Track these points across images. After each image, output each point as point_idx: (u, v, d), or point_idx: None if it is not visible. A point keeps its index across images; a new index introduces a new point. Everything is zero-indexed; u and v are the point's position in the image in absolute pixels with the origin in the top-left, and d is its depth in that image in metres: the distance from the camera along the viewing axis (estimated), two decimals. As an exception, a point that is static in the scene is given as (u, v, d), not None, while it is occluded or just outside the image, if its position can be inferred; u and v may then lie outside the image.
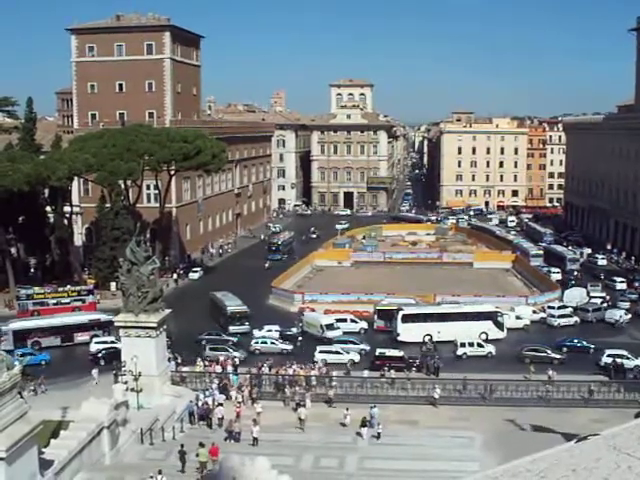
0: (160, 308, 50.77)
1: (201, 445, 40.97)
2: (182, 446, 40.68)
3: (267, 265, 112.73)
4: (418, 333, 75.71)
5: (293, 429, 49.69)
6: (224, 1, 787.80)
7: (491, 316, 78.45)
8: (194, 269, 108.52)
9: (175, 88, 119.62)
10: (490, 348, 71.47)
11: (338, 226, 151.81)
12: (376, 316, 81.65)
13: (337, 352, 69.00)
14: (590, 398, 56.67)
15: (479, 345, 71.79)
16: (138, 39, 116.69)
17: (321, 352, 68.55)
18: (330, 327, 77.01)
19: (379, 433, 44.11)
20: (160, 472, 36.96)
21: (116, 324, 51.08)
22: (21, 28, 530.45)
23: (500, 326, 77.64)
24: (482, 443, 45.06)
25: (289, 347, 72.17)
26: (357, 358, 68.31)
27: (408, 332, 75.96)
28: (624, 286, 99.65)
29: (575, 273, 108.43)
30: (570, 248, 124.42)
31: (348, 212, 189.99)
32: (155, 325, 49.20)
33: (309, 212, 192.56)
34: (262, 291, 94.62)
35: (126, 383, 46.48)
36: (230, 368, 63.60)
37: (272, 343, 73.11)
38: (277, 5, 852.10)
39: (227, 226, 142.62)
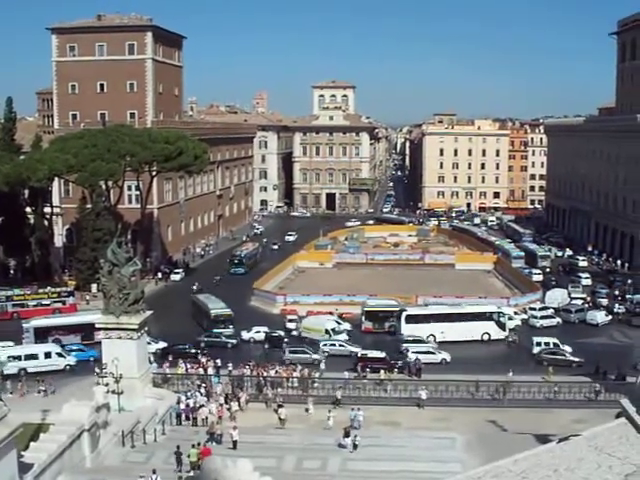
0: (141, 310, 50.52)
1: (193, 446, 41.24)
2: (178, 447, 40.86)
3: (215, 280, 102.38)
4: (421, 333, 76.24)
5: (275, 430, 49.58)
6: (206, 2, 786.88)
7: (493, 316, 79.18)
8: (176, 270, 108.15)
9: (157, 89, 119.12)
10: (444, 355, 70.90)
11: (288, 238, 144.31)
12: (364, 317, 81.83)
13: (304, 352, 69.51)
14: (569, 399, 56.99)
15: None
16: (120, 39, 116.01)
17: (290, 352, 69.35)
18: (336, 331, 77.05)
19: (356, 445, 43.45)
20: (154, 472, 37.00)
21: (97, 326, 50.74)
22: (1, 27, 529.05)
23: (502, 326, 78.41)
24: (464, 444, 45.09)
25: (357, 349, 71.02)
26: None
27: (411, 332, 76.33)
28: (589, 282, 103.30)
29: (547, 270, 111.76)
30: (541, 246, 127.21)
31: (308, 214, 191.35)
32: (136, 327, 48.95)
33: (298, 214, 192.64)
34: (244, 293, 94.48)
35: (107, 385, 46.17)
36: (211, 370, 63.40)
37: (341, 346, 72.43)
38: (259, 6, 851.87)
39: (209, 227, 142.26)
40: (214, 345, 73.58)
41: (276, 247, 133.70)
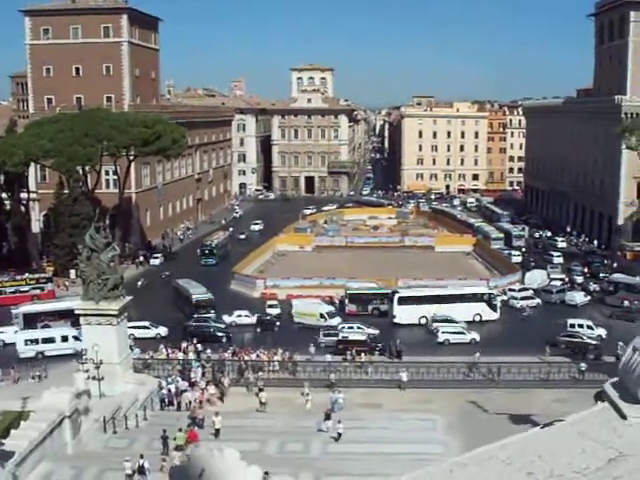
0: (121, 295, 50.15)
1: (180, 430, 41.35)
2: (164, 431, 40.78)
3: (164, 275, 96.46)
4: (413, 315, 77.13)
5: (257, 414, 49.65)
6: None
7: (485, 297, 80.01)
8: (155, 255, 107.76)
9: (133, 72, 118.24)
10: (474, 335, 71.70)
11: (254, 227, 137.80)
12: (347, 300, 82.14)
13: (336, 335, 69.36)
14: (550, 379, 57.54)
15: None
16: (95, 22, 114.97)
17: (324, 335, 69.86)
18: (330, 315, 77.31)
19: (339, 434, 43.27)
20: (142, 456, 36.98)
21: (76, 312, 50.42)
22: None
23: (493, 307, 79.28)
24: (445, 426, 45.23)
25: (375, 332, 71.61)
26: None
27: (403, 314, 77.25)
28: (561, 260, 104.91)
29: (523, 249, 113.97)
30: (516, 226, 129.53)
31: (272, 196, 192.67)
32: (116, 312, 48.61)
33: (272, 197, 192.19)
34: (223, 277, 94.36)
35: (87, 371, 45.95)
36: (192, 355, 63.38)
37: (359, 328, 72.17)
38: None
39: (188, 211, 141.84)
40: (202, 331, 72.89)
41: (243, 237, 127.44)
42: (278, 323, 76.58)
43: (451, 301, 78.82)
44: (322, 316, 76.45)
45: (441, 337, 70.73)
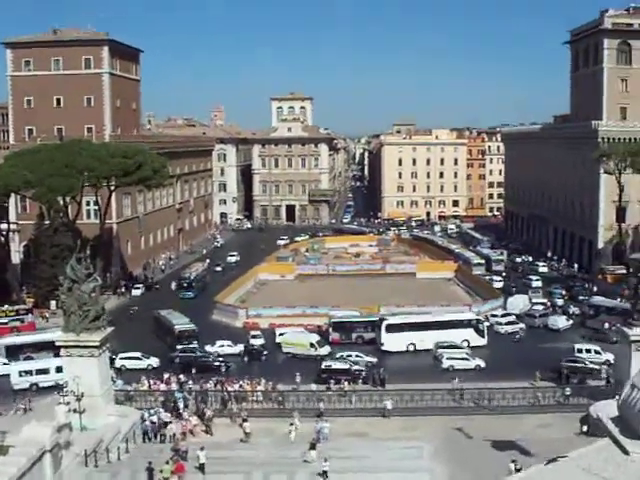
0: (102, 326, 49.72)
1: (167, 462, 41.11)
2: (150, 463, 40.55)
3: (132, 310, 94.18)
4: (402, 342, 77.24)
5: (241, 445, 49.21)
6: (163, 16, 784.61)
7: (472, 323, 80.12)
8: (136, 285, 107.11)
9: (114, 103, 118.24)
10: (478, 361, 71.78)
11: (230, 259, 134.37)
12: (331, 329, 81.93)
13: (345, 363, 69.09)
14: (535, 404, 57.57)
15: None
16: (76, 53, 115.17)
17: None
18: (321, 344, 77.05)
19: (325, 472, 42.38)
20: None
21: (57, 344, 49.88)
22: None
23: (481, 333, 79.36)
24: (431, 453, 45.01)
25: (373, 359, 72.16)
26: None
27: (392, 341, 77.29)
28: (540, 284, 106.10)
29: (503, 273, 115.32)
30: (495, 251, 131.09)
31: (248, 225, 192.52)
32: (97, 344, 48.15)
33: (249, 226, 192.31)
34: (203, 307, 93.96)
35: (68, 404, 45.39)
36: (175, 386, 62.82)
37: (357, 356, 71.90)
38: (216, 21, 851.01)
39: (169, 241, 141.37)
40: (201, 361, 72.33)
41: (219, 269, 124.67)
42: (265, 352, 76.21)
43: (439, 328, 78.71)
44: (312, 345, 76.06)
45: (445, 363, 70.72)
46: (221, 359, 72.76)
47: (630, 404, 9.79)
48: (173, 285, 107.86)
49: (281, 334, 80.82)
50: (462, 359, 71.49)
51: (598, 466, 8.76)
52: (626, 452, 9.00)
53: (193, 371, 68.12)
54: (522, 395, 58.21)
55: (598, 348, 71.34)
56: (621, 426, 9.72)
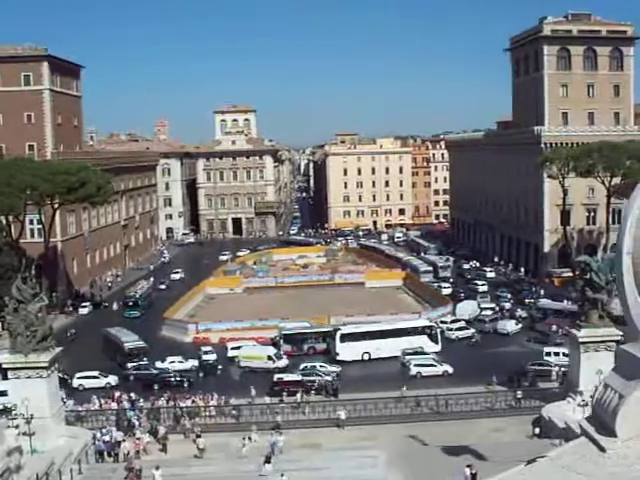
0: (50, 347, 48.98)
1: None
2: None
3: (69, 334, 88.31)
4: (356, 351, 77.53)
5: (195, 461, 48.84)
6: (103, 31, 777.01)
7: (426, 331, 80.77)
8: (83, 304, 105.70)
9: (55, 119, 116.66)
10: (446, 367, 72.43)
11: (174, 275, 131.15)
12: (282, 341, 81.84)
13: (317, 374, 69.45)
14: (489, 408, 58.00)
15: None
16: (15, 70, 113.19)
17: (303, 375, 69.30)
18: (278, 356, 76.87)
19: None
20: None
21: (4, 366, 49.02)
22: None
23: (435, 339, 79.91)
24: (386, 461, 45.12)
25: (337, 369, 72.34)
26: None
27: (347, 351, 77.49)
28: (485, 288, 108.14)
29: (450, 280, 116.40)
30: (441, 257, 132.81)
31: (191, 239, 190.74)
32: (46, 365, 47.41)
33: (191, 240, 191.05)
34: (155, 321, 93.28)
35: (17, 427, 44.60)
36: (126, 404, 62.15)
37: (322, 366, 72.24)
38: (157, 33, 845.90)
39: (115, 258, 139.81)
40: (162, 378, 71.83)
41: (164, 287, 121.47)
42: (220, 367, 75.94)
43: (393, 335, 79.33)
44: (270, 358, 75.81)
45: (413, 370, 71.20)
46: (182, 375, 72.34)
47: (604, 403, 10.10)
48: (115, 306, 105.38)
49: (233, 348, 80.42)
50: (430, 365, 72.06)
51: (577, 464, 9.06)
52: (602, 449, 9.31)
53: (155, 387, 67.65)
54: (474, 400, 58.55)
55: (567, 350, 70.88)
56: (596, 425, 10.03)
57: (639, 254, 10.20)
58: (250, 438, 50.36)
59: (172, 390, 66.40)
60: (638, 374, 10.15)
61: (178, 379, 71.16)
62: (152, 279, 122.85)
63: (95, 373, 72.17)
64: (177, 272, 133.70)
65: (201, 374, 74.20)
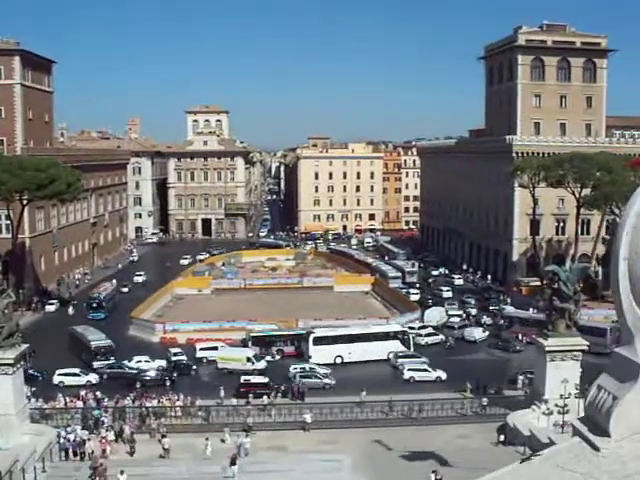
0: (17, 343, 48.79)
1: (94, 478, 41.60)
2: None
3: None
4: (329, 354, 77.46)
5: (160, 461, 48.79)
6: (76, 26, 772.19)
7: (398, 335, 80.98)
8: (50, 301, 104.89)
9: (26, 114, 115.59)
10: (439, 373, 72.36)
11: (137, 278, 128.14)
12: (250, 343, 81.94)
13: (316, 377, 70.16)
14: (456, 415, 58.32)
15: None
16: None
17: (301, 377, 69.76)
18: (257, 358, 76.76)
19: None
20: None
21: (-30, 361, 48.65)
22: None
23: (407, 345, 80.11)
24: (351, 465, 45.43)
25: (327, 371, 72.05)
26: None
27: (319, 354, 77.39)
28: (450, 294, 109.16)
29: (417, 285, 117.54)
30: (409, 263, 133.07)
31: (154, 239, 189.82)
32: (12, 361, 47.20)
33: (156, 239, 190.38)
34: (121, 322, 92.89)
35: (-18, 423, 44.38)
36: (92, 403, 61.90)
37: (311, 369, 72.61)
38: (132, 32, 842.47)
39: (83, 256, 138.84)
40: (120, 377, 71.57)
41: (126, 290, 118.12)
42: (195, 367, 75.86)
43: (366, 339, 79.76)
44: (249, 360, 75.69)
45: (407, 375, 71.42)
46: (163, 374, 72.34)
47: (597, 404, 10.44)
48: (70, 310, 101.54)
49: (202, 349, 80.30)
50: (423, 370, 72.27)
51: (572, 463, 9.37)
52: (597, 449, 9.64)
53: (137, 386, 67.34)
54: (440, 406, 58.83)
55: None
56: (589, 425, 10.32)
57: (634, 260, 10.58)
58: (207, 439, 50.28)
59: (153, 389, 66.32)
60: (631, 376, 10.58)
61: (159, 378, 71.06)
62: (115, 281, 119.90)
63: (76, 370, 71.98)
64: (140, 274, 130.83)
65: (175, 374, 73.50)
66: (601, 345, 72.23)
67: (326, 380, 69.78)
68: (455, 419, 57.56)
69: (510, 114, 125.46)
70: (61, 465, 47.71)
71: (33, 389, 64.68)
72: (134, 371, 72.70)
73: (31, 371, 71.54)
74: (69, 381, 69.97)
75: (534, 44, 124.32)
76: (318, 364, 74.85)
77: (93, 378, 71.32)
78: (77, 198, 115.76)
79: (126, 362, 75.18)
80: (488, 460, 41.52)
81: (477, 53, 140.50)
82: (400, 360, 75.61)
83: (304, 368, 72.59)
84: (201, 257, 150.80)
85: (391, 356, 77.78)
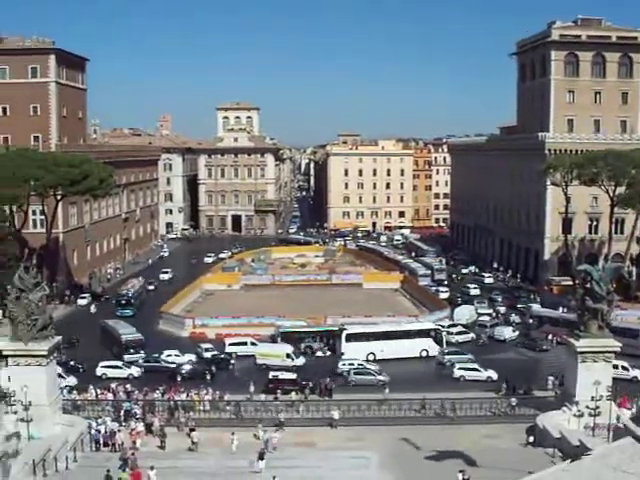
0: (50, 335, 49.77)
1: (124, 470, 41.80)
2: (108, 471, 41.12)
3: (74, 339, 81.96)
4: (362, 352, 77.21)
5: (189, 454, 49.49)
6: (109, 24, 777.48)
7: (430, 333, 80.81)
8: (82, 295, 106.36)
9: (60, 112, 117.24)
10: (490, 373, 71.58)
11: (163, 276, 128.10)
12: (279, 339, 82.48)
13: (370, 374, 70.31)
14: (484, 414, 57.80)
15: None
16: (22, 62, 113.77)
17: (355, 374, 70.28)
18: (297, 355, 77.20)
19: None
20: None
21: (4, 352, 49.75)
22: None
23: (440, 343, 79.87)
24: (378, 463, 45.58)
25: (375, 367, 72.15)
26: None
27: (352, 351, 77.37)
28: (477, 292, 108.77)
29: (445, 282, 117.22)
30: (438, 260, 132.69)
31: (177, 234, 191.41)
32: (45, 353, 48.17)
33: (181, 235, 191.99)
34: (152, 315, 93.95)
35: (16, 413, 45.35)
36: (122, 395, 62.86)
37: (360, 365, 72.67)
38: (162, 28, 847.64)
39: (115, 251, 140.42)
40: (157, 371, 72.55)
41: (152, 287, 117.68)
42: (233, 362, 76.43)
43: (398, 337, 79.58)
44: (288, 356, 76.01)
45: (456, 373, 70.83)
46: (205, 368, 73.16)
47: None
48: (93, 308, 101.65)
49: (231, 344, 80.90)
50: (474, 370, 71.27)
51: (625, 463, 9.64)
52: None
53: (178, 379, 68.52)
54: (469, 405, 58.43)
55: (626, 364, 68.54)
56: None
57: None
58: (234, 434, 50.71)
59: (193, 382, 67.03)
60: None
61: (199, 371, 72.05)
62: (141, 278, 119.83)
63: (119, 363, 73.23)
64: (166, 272, 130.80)
65: (213, 368, 73.95)
66: (634, 347, 71.90)
67: (380, 377, 69.74)
68: (483, 419, 57.15)
69: (543, 111, 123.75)
70: (92, 455, 48.56)
71: (75, 381, 66.92)
72: (172, 365, 73.54)
73: (72, 362, 72.97)
74: (112, 373, 71.13)
75: (568, 39, 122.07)
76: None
77: (135, 371, 72.32)
78: (109, 194, 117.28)
79: (162, 356, 76.16)
80: (517, 461, 41.87)
81: (509, 49, 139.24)
82: (447, 357, 75.52)
83: (352, 364, 72.71)
84: (222, 255, 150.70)
85: (436, 353, 77.81)
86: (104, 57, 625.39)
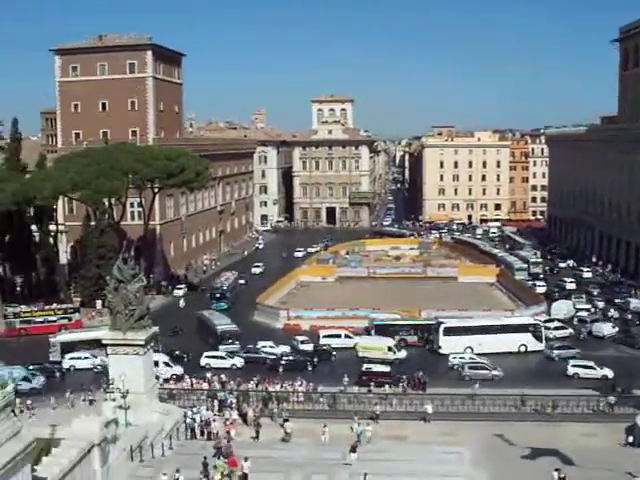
0: (147, 326, 50.70)
1: (218, 458, 42.39)
2: (205, 458, 41.84)
3: (177, 329, 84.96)
4: (459, 345, 76.67)
5: (281, 445, 49.85)
6: (204, 18, 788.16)
7: (529, 328, 79.38)
8: (178, 286, 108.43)
9: (157, 106, 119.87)
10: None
11: (255, 269, 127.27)
12: (373, 332, 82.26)
13: (484, 368, 69.66)
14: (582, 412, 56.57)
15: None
16: (120, 58, 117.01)
17: (470, 368, 69.77)
18: (398, 347, 77.21)
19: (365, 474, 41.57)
20: (178, 471, 39.65)
21: (104, 342, 50.99)
22: (5, 48, 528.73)
23: (539, 338, 78.36)
24: (471, 459, 44.98)
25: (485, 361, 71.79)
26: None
27: (449, 345, 77.03)
28: (573, 286, 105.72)
29: (542, 276, 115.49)
30: (534, 254, 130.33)
31: (267, 227, 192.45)
32: (143, 342, 49.11)
33: (283, 227, 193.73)
34: (246, 307, 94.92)
35: (114, 401, 46.43)
36: (217, 385, 63.78)
37: (472, 359, 72.43)
38: (256, 21, 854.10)
39: (210, 243, 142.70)
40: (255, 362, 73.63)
41: (243, 281, 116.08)
42: (334, 353, 76.64)
43: (496, 331, 78.45)
44: (390, 349, 75.79)
45: (570, 370, 68.84)
46: (306, 359, 73.89)
47: None
48: (182, 303, 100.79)
49: (325, 336, 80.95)
50: (588, 367, 68.86)
51: None
52: None
53: (280, 370, 69.36)
54: (565, 402, 57.43)
55: None
56: None
57: None
58: (326, 425, 50.80)
59: (293, 374, 67.45)
60: None
61: (302, 362, 72.76)
62: (235, 271, 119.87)
63: (222, 354, 74.42)
64: (258, 265, 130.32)
65: (316, 359, 74.41)
66: None
67: (495, 372, 68.90)
68: (581, 417, 55.91)
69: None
70: (187, 444, 49.41)
71: (181, 370, 68.67)
72: (272, 356, 74.21)
73: (177, 352, 74.55)
74: (215, 363, 72.38)
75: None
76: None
77: (238, 362, 73.34)
78: (205, 186, 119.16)
79: (261, 347, 76.92)
80: (615, 461, 40.86)
81: (611, 35, 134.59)
82: (556, 352, 74.12)
83: (463, 357, 72.36)
84: (311, 250, 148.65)
85: (544, 347, 76.71)
86: (200, 51, 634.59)
